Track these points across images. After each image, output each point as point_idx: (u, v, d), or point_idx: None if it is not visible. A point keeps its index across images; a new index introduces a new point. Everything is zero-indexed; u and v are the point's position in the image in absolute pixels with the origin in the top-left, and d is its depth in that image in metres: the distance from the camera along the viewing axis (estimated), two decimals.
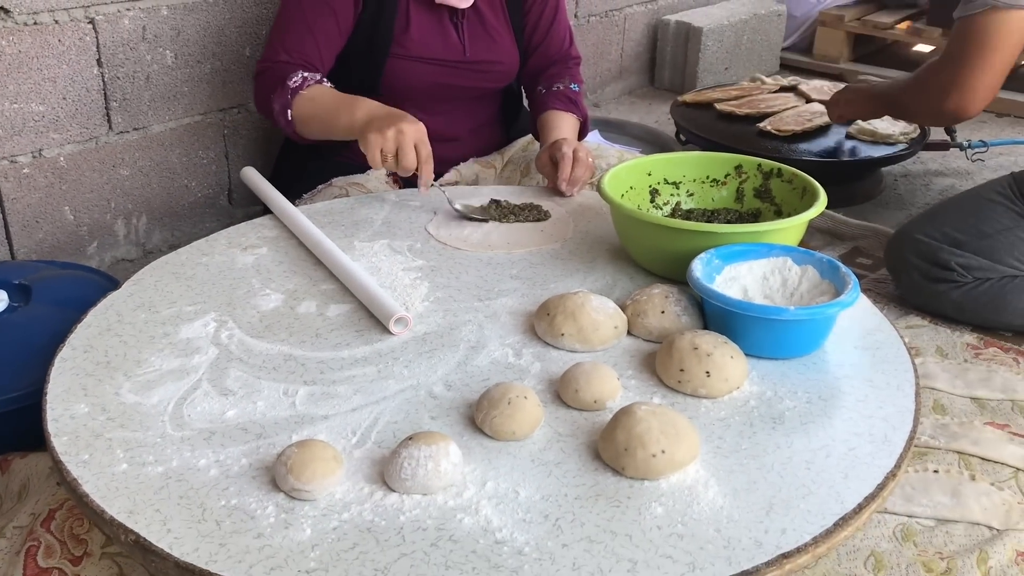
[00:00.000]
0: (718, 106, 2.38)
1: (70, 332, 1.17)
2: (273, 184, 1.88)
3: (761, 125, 2.26)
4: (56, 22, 1.69)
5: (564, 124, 1.73)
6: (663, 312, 1.15)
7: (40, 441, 1.01)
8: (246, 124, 2.04)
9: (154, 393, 1.05)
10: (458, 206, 1.51)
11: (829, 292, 1.16)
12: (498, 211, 1.50)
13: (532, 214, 1.51)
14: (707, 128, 2.30)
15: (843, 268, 1.17)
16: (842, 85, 2.54)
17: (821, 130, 2.25)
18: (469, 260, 1.37)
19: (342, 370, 1.10)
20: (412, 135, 1.45)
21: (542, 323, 1.15)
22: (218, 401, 1.04)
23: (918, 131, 2.27)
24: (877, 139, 2.21)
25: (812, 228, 2.04)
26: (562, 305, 1.14)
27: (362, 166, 1.77)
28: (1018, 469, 1.36)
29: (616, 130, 2.68)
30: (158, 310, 1.23)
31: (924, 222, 1.80)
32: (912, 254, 1.76)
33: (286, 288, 1.29)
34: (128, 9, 1.77)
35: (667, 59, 3.06)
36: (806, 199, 1.36)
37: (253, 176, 1.63)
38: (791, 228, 1.26)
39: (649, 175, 1.46)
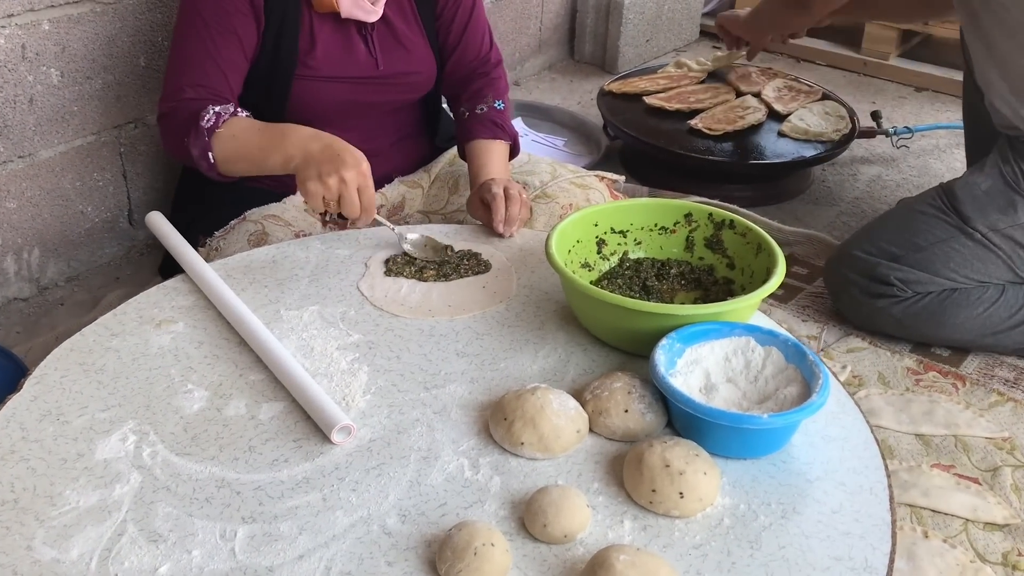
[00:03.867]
0: (647, 99, 2.29)
1: None
2: (177, 215, 1.74)
3: (692, 123, 2.19)
4: None
5: (492, 157, 1.62)
6: (626, 411, 1.08)
7: None
8: (144, 139, 1.86)
9: (73, 544, 0.94)
10: (406, 244, 1.43)
11: (796, 380, 1.11)
12: (437, 268, 1.40)
13: (472, 265, 1.41)
14: (636, 124, 2.22)
15: (810, 355, 1.11)
16: (770, 71, 2.49)
17: (752, 128, 2.20)
18: (409, 331, 1.28)
19: (283, 499, 1.00)
20: (354, 182, 1.33)
21: (499, 429, 1.07)
22: (148, 552, 0.93)
23: (849, 127, 2.23)
24: (809, 137, 2.17)
25: None
26: (520, 408, 1.06)
27: (278, 194, 1.64)
28: (967, 520, 1.37)
29: (540, 115, 2.58)
30: (68, 419, 1.10)
31: (860, 238, 1.78)
32: (850, 270, 1.74)
33: (210, 381, 1.17)
34: (3, 27, 1.57)
35: (587, 31, 2.95)
36: (761, 257, 1.31)
37: (160, 224, 1.47)
38: (753, 303, 1.20)
39: (595, 225, 1.38)
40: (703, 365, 1.14)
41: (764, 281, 1.23)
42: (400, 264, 1.40)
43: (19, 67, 1.61)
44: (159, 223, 1.48)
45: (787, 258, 1.99)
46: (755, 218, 2.03)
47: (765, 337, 1.15)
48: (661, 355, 1.11)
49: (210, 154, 1.42)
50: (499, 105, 1.70)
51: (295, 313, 1.30)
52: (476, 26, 1.73)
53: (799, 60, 3.12)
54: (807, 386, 1.09)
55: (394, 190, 1.77)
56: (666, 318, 1.16)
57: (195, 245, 1.61)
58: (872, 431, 1.13)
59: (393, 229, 1.44)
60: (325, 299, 1.34)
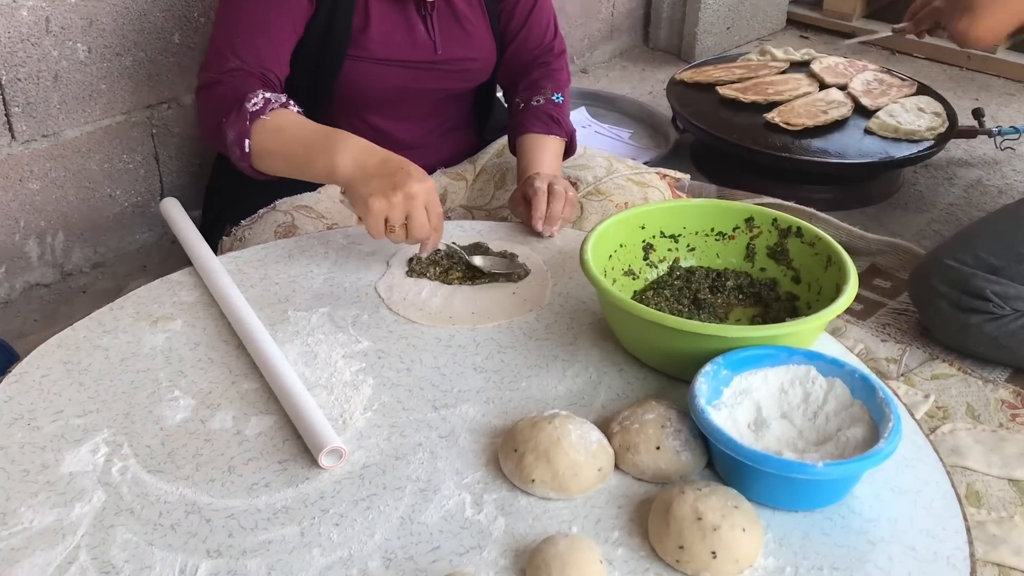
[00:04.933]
0: (720, 90, 2.11)
1: None
2: (208, 202, 1.64)
3: (768, 116, 2.01)
4: None
5: (544, 153, 1.48)
6: (658, 448, 0.93)
7: None
8: (178, 120, 1.77)
9: (16, 572, 0.83)
10: (479, 261, 1.26)
11: (862, 420, 0.94)
12: (464, 270, 1.26)
13: (505, 270, 1.27)
14: (707, 117, 2.05)
15: (880, 390, 0.94)
16: (860, 63, 2.28)
17: (836, 124, 2.00)
18: (425, 340, 1.14)
19: (256, 531, 0.88)
20: (422, 198, 1.16)
21: (509, 461, 0.93)
22: None
23: (946, 125, 2.02)
24: (900, 135, 1.97)
25: None
26: (533, 440, 0.92)
27: (312, 183, 1.52)
28: None
29: (606, 105, 2.43)
30: (40, 425, 1.00)
31: (954, 246, 1.58)
32: (940, 281, 1.54)
33: (199, 388, 1.06)
34: None
35: (663, 17, 2.77)
36: (831, 271, 1.13)
37: (173, 211, 1.37)
38: (817, 325, 1.03)
39: (643, 228, 1.22)
40: (754, 396, 0.98)
41: (833, 300, 1.06)
42: (424, 264, 1.27)
43: (43, 41, 1.53)
44: (172, 210, 1.38)
45: (869, 268, 1.81)
46: (835, 223, 1.84)
47: (829, 367, 0.99)
48: (703, 384, 0.95)
49: (247, 142, 1.25)
50: (557, 98, 1.55)
51: (303, 314, 1.18)
52: (541, 12, 1.59)
53: (894, 52, 2.89)
54: (875, 428, 0.92)
55: (435, 182, 1.64)
56: (712, 340, 1.00)
57: (222, 235, 1.52)
58: (953, 485, 0.95)
59: (465, 255, 1.27)
60: (338, 300, 1.21)
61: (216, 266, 1.24)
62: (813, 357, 1.00)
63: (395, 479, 0.94)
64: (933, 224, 1.98)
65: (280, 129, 1.25)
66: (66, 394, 1.04)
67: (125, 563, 0.85)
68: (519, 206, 1.40)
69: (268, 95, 1.27)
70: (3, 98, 1.52)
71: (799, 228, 1.19)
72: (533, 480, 0.91)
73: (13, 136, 1.55)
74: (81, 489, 0.92)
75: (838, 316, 1.07)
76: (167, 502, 0.91)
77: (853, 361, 1.11)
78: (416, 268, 1.27)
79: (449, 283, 1.25)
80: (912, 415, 1.05)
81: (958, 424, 1.42)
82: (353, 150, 1.20)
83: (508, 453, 0.93)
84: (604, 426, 0.98)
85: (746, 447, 0.87)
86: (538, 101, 1.55)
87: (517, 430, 0.95)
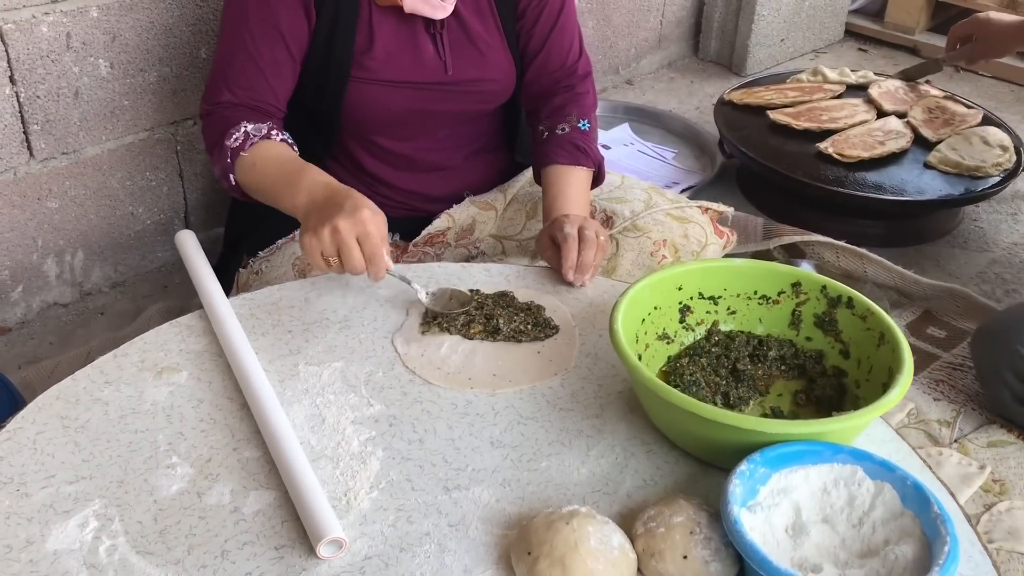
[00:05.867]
0: (771, 115, 2.01)
1: None
2: (227, 229, 1.59)
3: (822, 146, 1.90)
4: None
5: (571, 187, 1.40)
6: (685, 557, 0.85)
7: None
8: None
9: None
10: (424, 297, 1.20)
11: (913, 535, 0.85)
12: (485, 321, 1.18)
13: (529, 326, 1.19)
14: (756, 144, 1.94)
15: (936, 505, 0.85)
16: (921, 87, 2.15)
17: (893, 156, 1.88)
18: (440, 405, 1.07)
19: None
20: (349, 231, 1.12)
21: (521, 565, 0.86)
22: None
23: (1013, 160, 1.89)
24: (961, 171, 1.85)
25: (875, 283, 1.72)
26: (548, 543, 0.85)
27: None
28: None
29: (651, 121, 2.33)
30: (29, 492, 0.94)
31: None
32: (1008, 370, 1.41)
33: (198, 455, 0.99)
34: (46, 14, 1.43)
35: (714, 27, 2.66)
36: (884, 350, 1.04)
37: (188, 246, 1.31)
38: (864, 422, 0.94)
39: (679, 289, 1.14)
40: (793, 497, 0.90)
41: (885, 384, 0.97)
42: (443, 317, 1.19)
43: (63, 57, 1.48)
44: (187, 245, 1.31)
45: (922, 315, 1.70)
46: (887, 266, 1.74)
47: (878, 469, 0.90)
48: (737, 487, 0.86)
49: (231, 176, 1.30)
50: (584, 125, 1.46)
51: (315, 369, 1.12)
52: (563, 31, 1.49)
53: (958, 69, 2.74)
54: (927, 546, 0.83)
55: (463, 212, 1.56)
56: (750, 434, 0.91)
57: (239, 267, 1.47)
58: None
59: (411, 284, 1.21)
60: (353, 353, 1.15)
61: (227, 311, 1.17)
62: (861, 457, 0.91)
63: (398, 574, 0.87)
64: (994, 266, 1.86)
65: (255, 166, 1.28)
66: (60, 455, 0.99)
67: None
68: (547, 250, 1.32)
69: (249, 128, 1.29)
70: (21, 116, 1.47)
71: (850, 299, 1.09)
72: None
73: (32, 154, 1.51)
74: (64, 572, 0.86)
75: None
76: None
77: (903, 451, 1.02)
78: (435, 321, 1.19)
79: (470, 338, 1.17)
80: (960, 505, 0.96)
81: (1016, 502, 1.32)
82: (309, 189, 1.21)
83: (521, 556, 0.86)
84: (628, 521, 0.91)
85: (783, 570, 0.79)
86: (563, 129, 1.46)
87: (532, 530, 0.87)
